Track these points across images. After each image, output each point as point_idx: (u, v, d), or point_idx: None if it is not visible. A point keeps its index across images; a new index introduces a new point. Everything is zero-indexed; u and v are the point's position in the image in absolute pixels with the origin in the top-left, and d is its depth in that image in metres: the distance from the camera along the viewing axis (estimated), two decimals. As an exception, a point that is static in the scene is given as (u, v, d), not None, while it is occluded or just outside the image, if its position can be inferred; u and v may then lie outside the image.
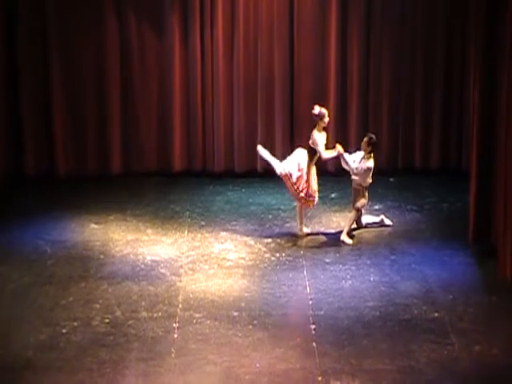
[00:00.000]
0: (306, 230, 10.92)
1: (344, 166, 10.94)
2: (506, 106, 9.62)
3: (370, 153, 10.74)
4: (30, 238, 10.89)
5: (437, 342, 8.32)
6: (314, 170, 10.76)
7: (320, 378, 7.76)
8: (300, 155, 10.74)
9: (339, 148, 10.76)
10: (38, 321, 8.78)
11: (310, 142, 10.71)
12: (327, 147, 10.85)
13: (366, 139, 10.80)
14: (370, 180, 10.82)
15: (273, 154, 13.12)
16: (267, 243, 10.73)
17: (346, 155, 10.87)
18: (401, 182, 12.94)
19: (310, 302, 9.16)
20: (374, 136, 10.79)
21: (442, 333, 8.49)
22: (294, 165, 10.67)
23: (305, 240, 10.82)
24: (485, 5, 10.05)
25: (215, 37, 12.93)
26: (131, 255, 10.39)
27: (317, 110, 10.69)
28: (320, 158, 10.72)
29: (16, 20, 12.69)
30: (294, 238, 10.89)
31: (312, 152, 10.70)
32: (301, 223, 10.93)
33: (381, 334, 8.51)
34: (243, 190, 12.73)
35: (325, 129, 10.83)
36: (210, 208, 12.00)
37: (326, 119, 10.72)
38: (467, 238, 10.60)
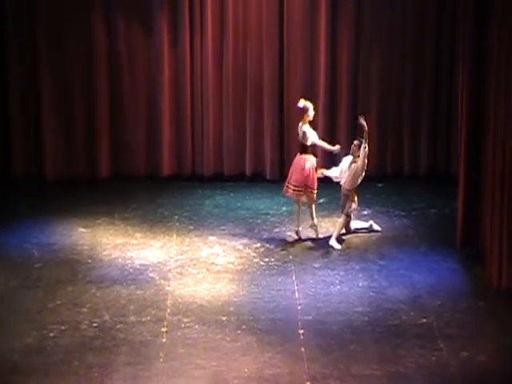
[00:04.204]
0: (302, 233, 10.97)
1: (334, 179, 11.05)
2: (494, 111, 9.66)
3: (359, 156, 10.76)
4: (17, 241, 10.84)
5: (425, 347, 8.33)
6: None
7: (308, 383, 7.76)
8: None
9: (323, 171, 10.94)
10: (25, 324, 8.75)
11: (300, 136, 10.77)
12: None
13: (356, 142, 10.82)
14: (358, 182, 10.83)
15: (261, 157, 13.27)
16: (256, 248, 10.73)
17: (328, 172, 10.98)
18: (389, 187, 12.95)
19: (299, 307, 9.16)
20: (363, 140, 10.79)
21: (430, 338, 8.50)
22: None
23: (294, 245, 10.82)
24: (473, 6, 10.09)
25: (204, 39, 12.92)
26: (119, 259, 10.37)
27: (301, 103, 10.80)
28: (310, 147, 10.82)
29: (4, 22, 12.66)
30: (282, 242, 10.89)
31: (303, 146, 10.79)
32: (297, 225, 10.94)
33: (369, 339, 8.52)
34: (232, 195, 12.72)
35: (311, 123, 10.87)
36: (199, 212, 11.99)
37: (311, 112, 10.80)
38: (455, 244, 10.62)
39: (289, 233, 11.10)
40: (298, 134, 10.90)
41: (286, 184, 10.94)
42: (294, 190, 10.85)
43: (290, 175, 10.92)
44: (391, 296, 9.40)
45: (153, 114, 13.14)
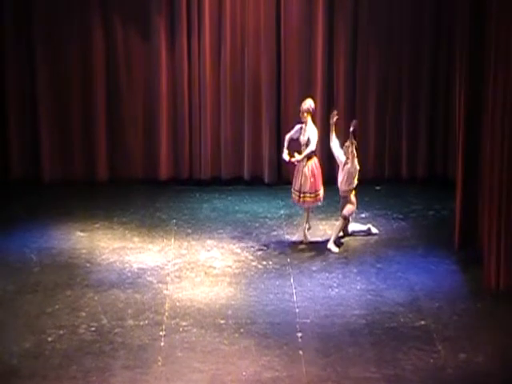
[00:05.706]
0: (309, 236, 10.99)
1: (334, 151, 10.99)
2: (492, 113, 9.67)
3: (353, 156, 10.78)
4: (15, 245, 10.84)
5: (423, 349, 8.34)
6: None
7: (306, 386, 7.78)
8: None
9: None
10: (23, 328, 8.75)
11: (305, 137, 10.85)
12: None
13: (347, 143, 10.80)
14: (355, 182, 10.83)
15: (259, 160, 13.28)
16: (254, 251, 10.73)
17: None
18: (387, 190, 12.97)
19: (297, 310, 9.16)
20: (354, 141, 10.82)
21: (428, 340, 8.51)
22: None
23: (291, 248, 10.82)
24: (470, 6, 10.11)
25: (202, 42, 12.92)
26: (117, 263, 10.37)
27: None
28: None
29: (2, 22, 12.67)
30: (280, 245, 10.89)
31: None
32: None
33: (367, 341, 8.52)
34: (229, 198, 12.72)
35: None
36: (197, 216, 11.99)
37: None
38: (453, 246, 10.62)
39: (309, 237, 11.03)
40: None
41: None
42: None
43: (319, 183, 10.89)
44: (389, 298, 9.40)
45: (151, 117, 13.14)
